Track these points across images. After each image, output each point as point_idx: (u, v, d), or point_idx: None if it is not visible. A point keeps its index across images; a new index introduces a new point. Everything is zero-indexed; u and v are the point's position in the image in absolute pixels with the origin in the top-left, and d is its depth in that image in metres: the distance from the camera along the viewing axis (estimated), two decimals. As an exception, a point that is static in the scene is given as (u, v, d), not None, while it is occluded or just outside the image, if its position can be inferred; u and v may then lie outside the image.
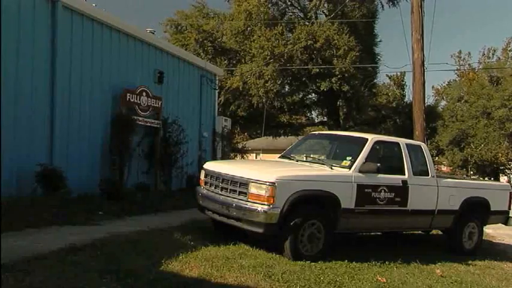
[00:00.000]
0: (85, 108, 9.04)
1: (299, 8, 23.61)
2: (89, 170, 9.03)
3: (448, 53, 63.20)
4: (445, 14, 60.01)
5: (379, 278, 5.47)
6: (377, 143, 7.01)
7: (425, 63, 12.00)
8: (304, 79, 22.44)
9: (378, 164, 6.53)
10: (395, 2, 22.46)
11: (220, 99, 18.98)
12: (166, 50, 11.95)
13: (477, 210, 7.91)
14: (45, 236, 5.78)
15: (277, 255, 5.86)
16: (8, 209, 6.33)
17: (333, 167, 6.56)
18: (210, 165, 7.04)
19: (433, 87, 40.47)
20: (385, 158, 7.23)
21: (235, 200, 6.01)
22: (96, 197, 8.49)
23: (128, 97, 9.87)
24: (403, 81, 35.73)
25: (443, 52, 63.34)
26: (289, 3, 23.36)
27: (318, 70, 20.48)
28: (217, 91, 15.08)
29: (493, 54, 37.14)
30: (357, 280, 5.30)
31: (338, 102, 24.25)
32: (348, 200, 6.25)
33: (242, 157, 16.72)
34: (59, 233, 6.04)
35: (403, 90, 35.72)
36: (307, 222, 5.95)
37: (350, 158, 6.63)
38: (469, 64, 37.54)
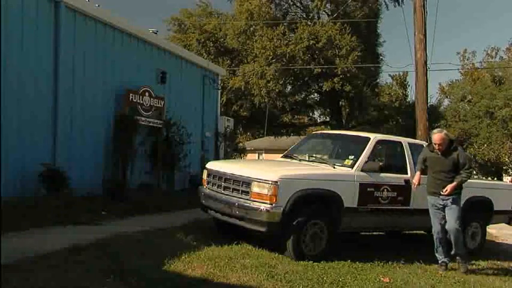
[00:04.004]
0: (88, 108, 9.06)
1: (301, 8, 23.63)
2: (92, 170, 9.06)
3: (451, 53, 63.22)
4: (448, 13, 59.94)
5: (382, 278, 5.46)
6: (379, 142, 7.01)
7: (428, 62, 11.99)
8: (306, 79, 22.44)
9: (380, 163, 6.55)
10: (399, 1, 22.43)
11: (222, 99, 19.01)
12: (169, 50, 11.98)
13: (480, 210, 7.87)
14: (49, 235, 5.81)
15: (280, 255, 5.86)
16: (12, 209, 6.36)
17: (335, 166, 6.56)
18: (212, 165, 7.05)
19: (439, 83, 40.42)
20: (388, 157, 7.23)
21: (238, 199, 6.02)
22: (100, 196, 8.52)
23: (131, 97, 9.90)
24: (405, 81, 35.76)
25: (447, 51, 63.28)
26: (291, 3, 23.39)
27: (320, 70, 20.48)
28: (219, 91, 15.09)
29: (496, 53, 37.08)
30: (359, 280, 5.29)
31: (340, 102, 24.26)
32: (350, 199, 6.25)
33: (240, 157, 16.72)
34: (63, 232, 6.07)
35: (406, 90, 35.76)
36: (309, 222, 5.95)
37: (352, 157, 6.63)
38: (472, 63, 37.46)
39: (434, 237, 6.40)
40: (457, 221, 6.13)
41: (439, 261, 6.41)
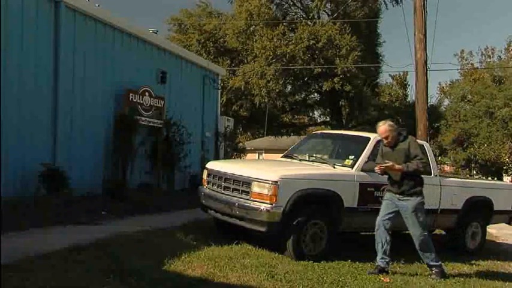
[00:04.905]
0: (88, 108, 9.06)
1: (301, 8, 23.63)
2: (92, 169, 9.05)
3: (452, 52, 63.26)
4: (448, 13, 59.97)
5: (382, 278, 5.46)
6: (379, 142, 6.99)
7: (428, 62, 11.99)
8: (306, 79, 22.45)
9: (381, 163, 6.55)
10: (399, 1, 22.45)
11: (222, 99, 19.01)
12: (169, 50, 11.97)
13: (480, 210, 7.88)
14: (49, 235, 5.80)
15: (280, 255, 5.86)
16: (12, 209, 6.36)
17: (335, 166, 6.55)
18: (212, 165, 7.05)
19: (439, 83, 40.47)
20: (388, 157, 7.21)
21: (239, 199, 6.02)
22: (99, 196, 8.52)
23: (131, 97, 9.89)
24: (405, 80, 35.78)
25: (447, 51, 63.31)
26: (291, 3, 23.38)
27: (320, 70, 20.49)
28: (219, 91, 15.09)
29: (492, 53, 37.06)
30: (359, 280, 5.29)
31: (340, 102, 24.26)
32: (350, 199, 6.25)
33: (240, 157, 16.71)
34: (63, 232, 6.06)
35: (406, 90, 35.79)
36: (309, 222, 5.94)
37: (352, 157, 6.62)
38: (471, 64, 37.47)
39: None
40: (422, 228, 5.68)
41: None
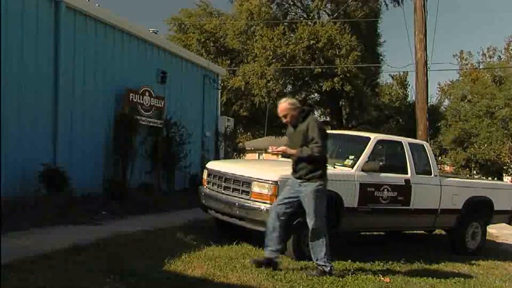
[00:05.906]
0: (88, 108, 9.05)
1: (301, 8, 23.65)
2: (92, 169, 9.04)
3: (452, 53, 63.28)
4: (448, 14, 60.02)
5: (383, 278, 5.46)
6: (380, 142, 7.01)
7: (428, 62, 12.02)
8: (306, 79, 22.45)
9: (381, 163, 6.56)
10: (399, 1, 22.47)
11: (222, 99, 19.01)
12: (169, 50, 11.96)
13: (480, 210, 7.89)
14: (49, 235, 5.80)
15: (280, 255, 5.85)
16: (12, 209, 6.36)
17: (335, 166, 6.55)
18: (212, 165, 7.06)
19: (439, 83, 40.47)
20: (388, 157, 7.23)
21: (239, 199, 6.02)
22: (100, 196, 8.50)
23: (131, 97, 9.89)
24: (406, 80, 35.73)
25: (447, 51, 63.31)
26: (291, 2, 23.40)
27: (320, 70, 20.49)
28: (220, 91, 15.08)
29: (493, 53, 37.06)
30: (360, 280, 5.29)
31: (340, 102, 24.27)
32: (350, 199, 6.25)
33: (239, 157, 16.69)
34: (63, 232, 6.06)
35: (406, 90, 35.75)
36: (310, 222, 5.94)
37: (353, 157, 6.62)
38: (471, 64, 37.49)
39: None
40: (317, 217, 5.11)
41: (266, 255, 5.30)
